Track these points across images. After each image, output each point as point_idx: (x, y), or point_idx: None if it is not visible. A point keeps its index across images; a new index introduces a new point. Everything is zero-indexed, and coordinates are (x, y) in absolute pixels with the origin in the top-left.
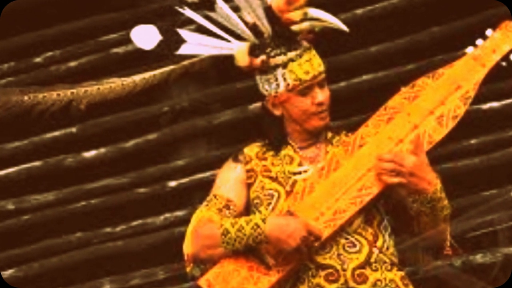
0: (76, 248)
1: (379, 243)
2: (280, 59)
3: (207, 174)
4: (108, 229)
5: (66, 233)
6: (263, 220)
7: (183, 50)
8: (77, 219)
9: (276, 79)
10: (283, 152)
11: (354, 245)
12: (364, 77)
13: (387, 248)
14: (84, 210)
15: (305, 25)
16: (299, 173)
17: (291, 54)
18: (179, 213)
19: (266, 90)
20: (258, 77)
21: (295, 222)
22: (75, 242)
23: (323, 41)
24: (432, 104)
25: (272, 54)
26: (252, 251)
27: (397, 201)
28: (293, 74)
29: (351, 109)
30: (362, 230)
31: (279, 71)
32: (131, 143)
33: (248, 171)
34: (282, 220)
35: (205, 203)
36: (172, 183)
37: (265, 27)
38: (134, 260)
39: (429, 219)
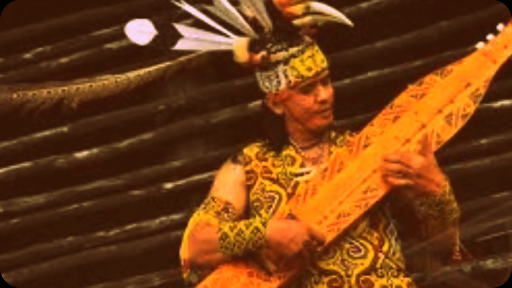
0: (67, 253)
1: (385, 248)
2: (281, 55)
3: (205, 175)
4: (101, 233)
5: (57, 238)
6: (264, 224)
7: (179, 45)
8: (68, 223)
9: (277, 76)
10: (284, 153)
11: (359, 250)
12: (370, 73)
13: (394, 253)
14: (76, 213)
15: (308, 19)
16: (301, 174)
17: (293, 50)
18: (176, 216)
19: (267, 88)
20: (258, 74)
21: (297, 226)
22: (66, 246)
23: (326, 36)
24: (440, 102)
25: (273, 49)
26: (252, 256)
27: (403, 204)
28: (295, 70)
29: (355, 107)
30: (367, 234)
31: (280, 68)
32: (125, 143)
33: (247, 172)
34: (283, 224)
35: (202, 206)
36: (168, 185)
37: (266, 22)
38: (128, 266)
39: (438, 222)
